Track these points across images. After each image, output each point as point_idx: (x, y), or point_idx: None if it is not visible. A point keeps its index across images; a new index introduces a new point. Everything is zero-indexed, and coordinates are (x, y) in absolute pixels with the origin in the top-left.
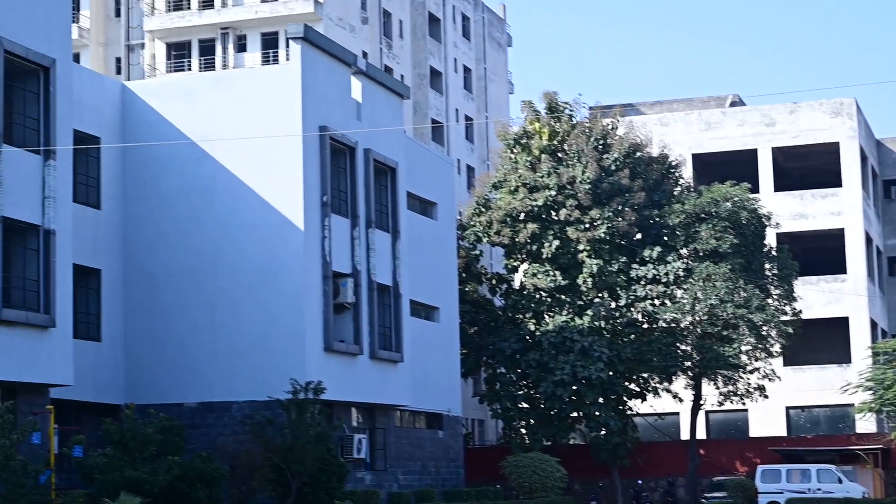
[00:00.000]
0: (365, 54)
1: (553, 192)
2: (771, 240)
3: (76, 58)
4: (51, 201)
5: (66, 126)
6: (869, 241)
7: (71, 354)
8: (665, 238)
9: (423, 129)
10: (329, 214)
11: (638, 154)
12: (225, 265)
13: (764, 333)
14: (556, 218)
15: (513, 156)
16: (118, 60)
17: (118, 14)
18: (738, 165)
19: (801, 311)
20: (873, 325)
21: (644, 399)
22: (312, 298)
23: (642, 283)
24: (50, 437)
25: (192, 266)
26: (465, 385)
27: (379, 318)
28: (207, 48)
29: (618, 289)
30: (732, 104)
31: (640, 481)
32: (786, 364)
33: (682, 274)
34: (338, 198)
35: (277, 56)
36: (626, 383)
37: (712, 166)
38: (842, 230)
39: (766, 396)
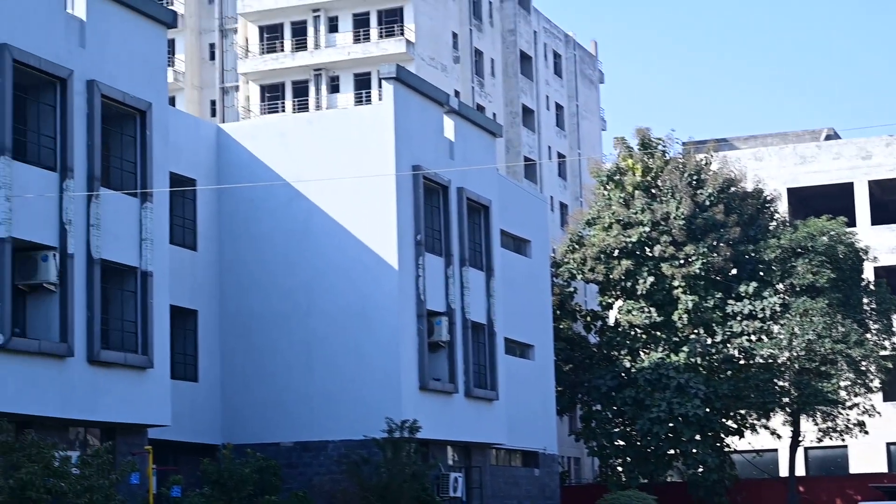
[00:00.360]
0: (457, 93)
1: (647, 229)
2: (869, 274)
3: (172, 101)
4: (148, 243)
5: (163, 169)
6: None
7: (169, 395)
8: (761, 273)
9: (516, 166)
10: (423, 253)
11: (732, 189)
12: (320, 305)
13: (863, 369)
14: (650, 254)
15: (606, 192)
16: (213, 103)
17: (213, 57)
18: (834, 199)
19: None
20: None
21: (742, 436)
22: (407, 337)
23: (738, 318)
24: (148, 478)
25: (288, 306)
26: (561, 423)
27: (474, 356)
28: (301, 89)
29: (714, 325)
30: (828, 137)
31: None
32: (886, 399)
33: (778, 309)
34: (431, 236)
35: (370, 96)
36: (724, 420)
37: (808, 200)
38: None
39: (865, 432)
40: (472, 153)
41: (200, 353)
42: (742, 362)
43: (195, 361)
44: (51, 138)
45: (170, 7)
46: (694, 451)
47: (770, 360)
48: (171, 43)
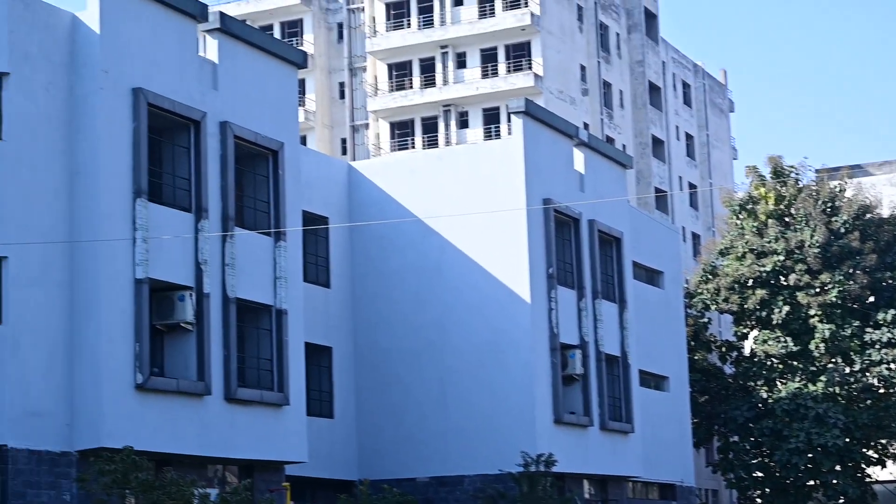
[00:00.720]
0: (586, 125)
1: (781, 258)
2: None
3: (303, 140)
4: (282, 281)
5: (296, 207)
6: None
7: (305, 431)
8: None
9: (647, 197)
10: (555, 286)
11: (868, 215)
12: (453, 339)
13: None
14: (785, 283)
15: (739, 222)
16: (343, 141)
17: (342, 96)
18: None
19: None
20: None
21: (884, 466)
22: (541, 371)
23: (877, 346)
24: None
25: (421, 341)
26: (698, 455)
27: (608, 388)
28: (430, 125)
29: (851, 353)
30: None
31: None
32: None
33: None
34: (563, 269)
35: (499, 130)
36: (864, 450)
37: None
38: None
39: None
40: (603, 185)
41: (336, 389)
42: (882, 391)
43: (330, 398)
44: (185, 180)
45: (300, 48)
46: (834, 481)
47: None
48: (302, 83)
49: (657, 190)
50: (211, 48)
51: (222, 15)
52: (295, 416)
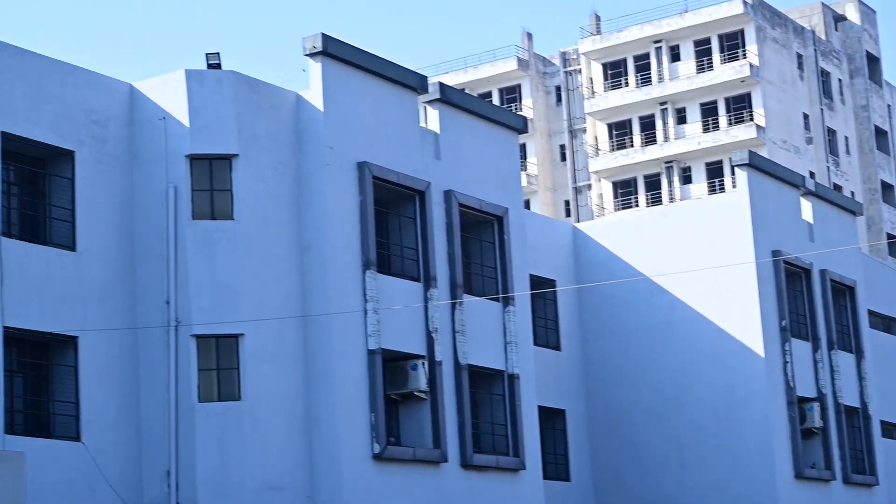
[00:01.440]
0: (812, 174)
1: None
2: None
3: (527, 204)
4: (513, 346)
5: (522, 271)
6: None
7: (542, 496)
8: None
9: (880, 245)
10: (789, 339)
11: None
12: (687, 397)
13: None
14: None
15: None
16: (567, 203)
17: (563, 158)
18: None
19: None
20: None
21: None
22: (779, 425)
23: None
24: None
25: (655, 400)
26: None
27: (849, 441)
28: (653, 183)
29: None
30: None
31: None
32: None
33: None
34: (796, 321)
35: (723, 184)
36: None
37: None
38: None
39: None
40: (833, 234)
41: (571, 452)
42: None
43: (566, 461)
44: (413, 249)
45: (519, 113)
46: None
47: None
48: (523, 147)
49: (889, 236)
50: (432, 118)
51: (442, 85)
52: (531, 480)
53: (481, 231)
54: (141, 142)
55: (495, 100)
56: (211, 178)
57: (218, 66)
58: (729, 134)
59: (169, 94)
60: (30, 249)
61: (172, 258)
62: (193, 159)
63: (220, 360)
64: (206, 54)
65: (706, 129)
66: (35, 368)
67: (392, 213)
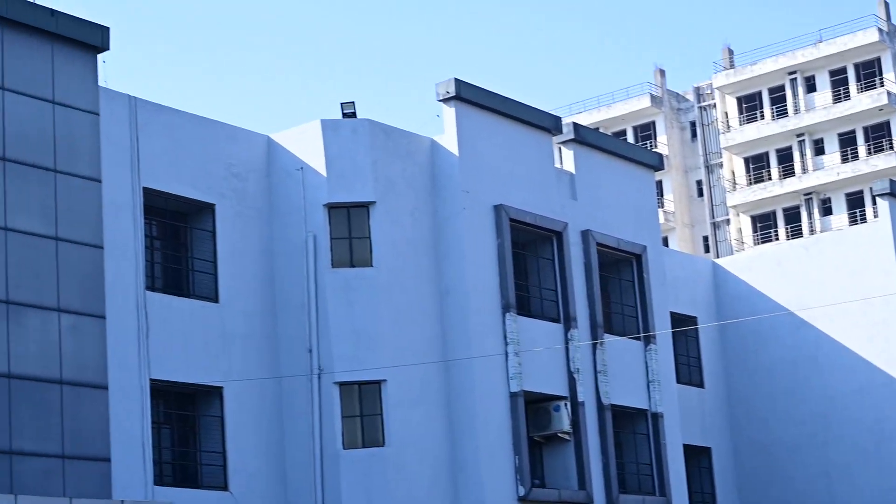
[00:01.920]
0: None
1: None
2: None
3: (665, 241)
4: (655, 385)
5: (663, 309)
6: None
7: None
8: None
9: None
10: None
11: None
12: (835, 431)
13: None
14: None
15: None
16: (705, 239)
17: (700, 194)
18: None
19: None
20: None
21: None
22: None
23: None
24: None
25: (802, 436)
26: None
27: None
28: (792, 216)
29: None
30: None
31: None
32: None
33: None
34: None
35: (864, 214)
36: None
37: None
38: None
39: None
40: None
41: (717, 490)
42: None
43: (713, 499)
44: (552, 290)
45: (654, 150)
46: None
47: None
48: (659, 184)
49: None
50: (567, 159)
51: (576, 125)
52: None
53: (620, 269)
54: (279, 192)
55: (630, 138)
56: (349, 226)
57: (353, 114)
58: (868, 163)
59: (306, 144)
60: (174, 302)
61: (313, 306)
62: (331, 208)
63: (363, 407)
64: (341, 103)
65: (845, 160)
66: (182, 419)
67: (530, 254)
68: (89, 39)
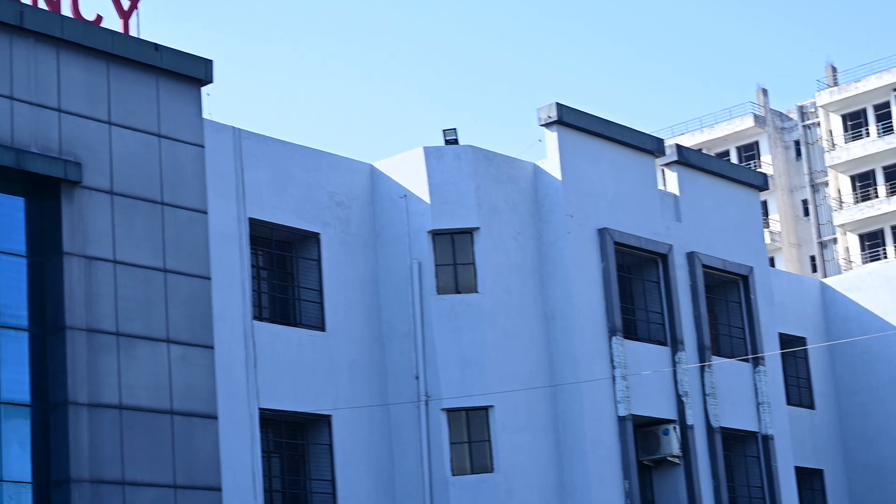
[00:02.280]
0: None
1: None
2: None
3: (771, 262)
4: (765, 407)
5: (771, 331)
6: None
7: None
8: None
9: None
10: None
11: None
12: None
13: None
14: None
15: None
16: (812, 258)
17: (806, 213)
18: None
19: None
20: None
21: None
22: None
23: None
24: None
25: None
26: None
27: None
28: None
29: None
30: None
31: None
32: None
33: None
34: None
35: None
36: None
37: None
38: None
39: None
40: None
41: None
42: None
43: None
44: (658, 313)
45: (759, 170)
46: None
47: None
48: (764, 204)
49: None
50: (671, 180)
51: (679, 147)
52: None
53: (727, 291)
54: (383, 220)
55: (733, 158)
56: (454, 253)
57: (455, 141)
58: None
59: (408, 171)
60: (281, 331)
61: (419, 333)
62: (436, 235)
63: (471, 433)
64: (444, 130)
65: None
66: (291, 448)
67: (635, 277)
68: (193, 73)
